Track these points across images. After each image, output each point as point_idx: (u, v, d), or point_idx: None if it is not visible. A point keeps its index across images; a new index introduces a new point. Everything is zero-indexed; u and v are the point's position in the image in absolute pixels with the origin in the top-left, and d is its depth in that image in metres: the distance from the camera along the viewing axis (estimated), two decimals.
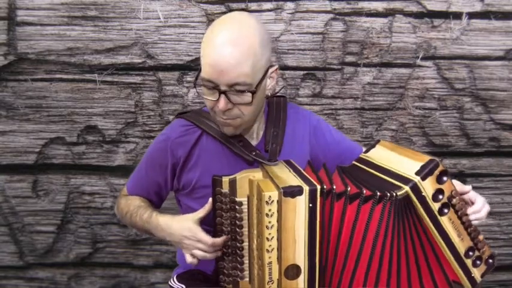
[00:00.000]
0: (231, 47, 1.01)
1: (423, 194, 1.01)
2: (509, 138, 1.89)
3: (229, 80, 1.02)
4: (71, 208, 1.93)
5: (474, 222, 1.10)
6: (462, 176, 1.93)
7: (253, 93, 1.05)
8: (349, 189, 1.01)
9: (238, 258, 1.11)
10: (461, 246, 1.08)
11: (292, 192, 0.94)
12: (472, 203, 1.11)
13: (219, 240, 1.08)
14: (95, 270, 2.01)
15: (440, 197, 1.03)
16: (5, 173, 1.89)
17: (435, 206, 1.03)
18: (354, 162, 1.19)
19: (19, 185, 1.90)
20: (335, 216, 1.02)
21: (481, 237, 1.11)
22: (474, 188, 1.90)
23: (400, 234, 1.04)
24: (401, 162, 1.09)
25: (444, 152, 1.90)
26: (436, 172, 1.02)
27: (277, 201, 0.95)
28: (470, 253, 1.10)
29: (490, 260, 1.14)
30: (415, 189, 1.01)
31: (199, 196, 1.19)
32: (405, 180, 1.02)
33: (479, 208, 1.10)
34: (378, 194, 1.00)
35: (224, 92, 1.04)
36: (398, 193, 1.00)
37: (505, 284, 2.06)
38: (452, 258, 1.08)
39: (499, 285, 2.06)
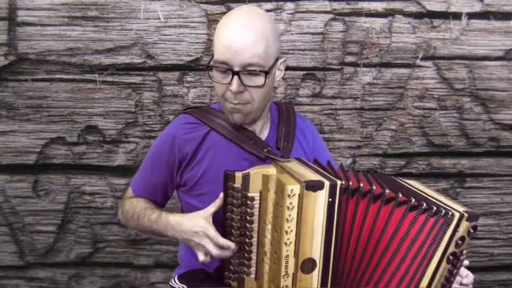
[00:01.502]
0: (245, 29, 1.06)
1: (458, 230, 0.99)
2: (508, 138, 1.89)
3: (243, 60, 1.05)
4: (71, 208, 1.93)
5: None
6: (462, 176, 1.93)
7: (267, 73, 1.08)
8: (387, 191, 1.02)
9: (246, 254, 1.11)
10: None
11: (313, 186, 0.95)
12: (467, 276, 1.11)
13: (226, 242, 1.08)
14: (95, 270, 2.01)
15: (460, 243, 1.01)
16: (6, 173, 1.90)
17: (451, 249, 1.01)
18: (392, 176, 1.19)
19: (19, 185, 1.90)
20: (351, 212, 1.03)
21: None
22: (474, 188, 1.94)
23: (421, 250, 1.03)
24: (441, 197, 1.07)
25: (444, 152, 1.91)
26: (474, 223, 1.01)
27: (299, 194, 0.96)
28: None
29: None
30: (459, 221, 0.99)
31: (200, 193, 1.19)
32: (454, 209, 1.00)
33: (468, 282, 1.10)
34: (434, 208, 0.99)
35: (238, 73, 1.07)
36: (453, 213, 0.99)
37: (505, 284, 2.07)
38: None
39: (498, 284, 2.07)
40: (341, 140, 1.88)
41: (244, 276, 1.13)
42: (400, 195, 1.02)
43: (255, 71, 1.07)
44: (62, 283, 2.02)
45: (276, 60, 1.13)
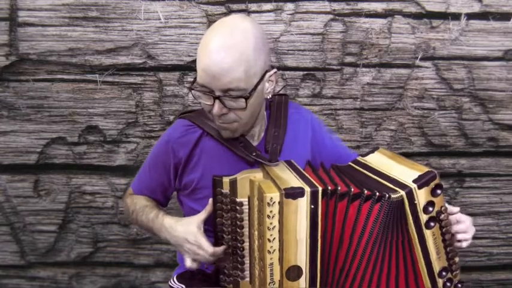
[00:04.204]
0: (222, 52, 1.01)
1: (415, 202, 1.01)
2: (507, 138, 1.90)
3: (222, 85, 1.03)
4: (72, 208, 1.94)
5: (463, 244, 1.09)
6: (461, 176, 1.94)
7: (247, 98, 1.05)
8: (352, 189, 1.01)
9: (239, 258, 1.11)
10: (437, 264, 1.07)
11: (293, 193, 0.95)
12: (459, 223, 1.10)
13: (219, 249, 1.09)
14: (96, 269, 2.02)
15: (430, 209, 1.03)
16: (7, 172, 1.90)
17: (423, 218, 1.03)
18: (350, 163, 1.20)
19: (20, 184, 1.91)
20: (337, 217, 1.02)
21: (456, 259, 1.10)
22: (473, 187, 1.94)
23: (387, 240, 1.04)
24: (399, 169, 1.09)
25: (443, 152, 1.91)
26: (432, 184, 1.02)
27: (279, 202, 0.95)
28: (444, 273, 1.08)
29: (459, 285, 1.13)
30: (410, 195, 1.01)
31: (201, 197, 1.20)
32: (401, 185, 1.02)
33: (465, 228, 1.09)
34: (366, 192, 1.00)
35: (218, 97, 1.04)
36: (392, 195, 1.00)
37: (504, 283, 2.07)
38: (426, 274, 1.07)
39: (497, 284, 2.07)
40: (341, 140, 1.89)
41: (239, 279, 1.13)
42: (353, 189, 1.01)
43: (237, 96, 1.04)
44: (62, 282, 2.03)
45: (264, 75, 1.08)
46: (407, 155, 1.91)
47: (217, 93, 1.04)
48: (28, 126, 1.86)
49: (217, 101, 1.05)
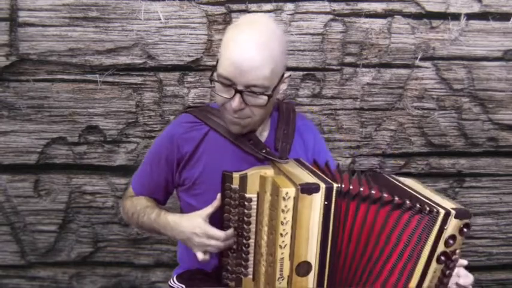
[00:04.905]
0: (255, 49, 1.02)
1: (445, 227, 0.96)
2: (507, 138, 1.90)
3: (248, 81, 1.03)
4: (72, 208, 1.94)
5: None
6: (461, 176, 1.94)
7: (270, 97, 1.07)
8: (373, 192, 0.99)
9: (243, 255, 1.12)
10: None
11: (309, 189, 0.95)
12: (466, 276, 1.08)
13: (229, 232, 1.09)
14: (96, 269, 2.02)
15: (451, 242, 0.98)
16: (7, 172, 1.91)
17: (440, 248, 0.98)
18: (385, 174, 1.17)
19: (21, 184, 1.91)
20: (350, 215, 1.01)
21: None
22: (473, 187, 1.95)
23: (406, 250, 1.01)
24: (436, 196, 1.05)
25: (443, 152, 1.92)
26: (465, 220, 0.97)
27: (294, 197, 0.95)
28: None
29: None
30: (445, 219, 0.96)
31: (198, 192, 1.20)
32: (441, 206, 0.98)
33: (469, 283, 1.06)
34: (418, 205, 0.97)
35: (240, 92, 1.05)
36: (438, 210, 0.96)
37: (504, 283, 2.08)
38: None
39: (497, 284, 2.07)
40: (341, 140, 1.89)
41: (242, 276, 1.13)
42: (386, 195, 0.98)
43: (259, 93, 1.05)
44: (63, 282, 2.03)
45: (282, 76, 1.11)
46: (408, 155, 1.91)
47: (240, 88, 1.05)
48: (28, 126, 1.86)
49: (238, 95, 1.05)
